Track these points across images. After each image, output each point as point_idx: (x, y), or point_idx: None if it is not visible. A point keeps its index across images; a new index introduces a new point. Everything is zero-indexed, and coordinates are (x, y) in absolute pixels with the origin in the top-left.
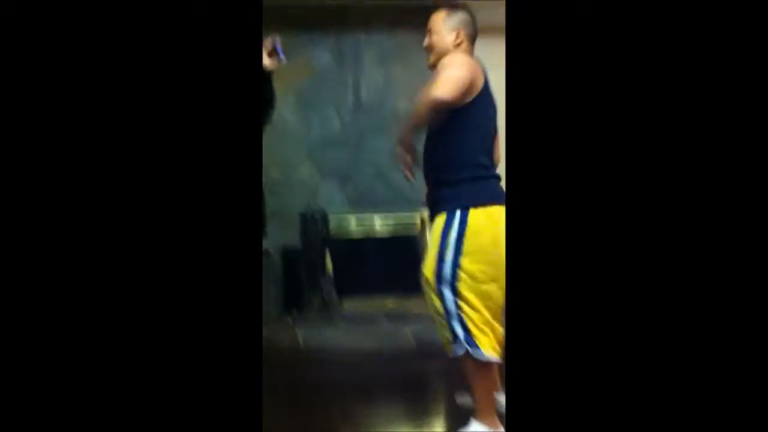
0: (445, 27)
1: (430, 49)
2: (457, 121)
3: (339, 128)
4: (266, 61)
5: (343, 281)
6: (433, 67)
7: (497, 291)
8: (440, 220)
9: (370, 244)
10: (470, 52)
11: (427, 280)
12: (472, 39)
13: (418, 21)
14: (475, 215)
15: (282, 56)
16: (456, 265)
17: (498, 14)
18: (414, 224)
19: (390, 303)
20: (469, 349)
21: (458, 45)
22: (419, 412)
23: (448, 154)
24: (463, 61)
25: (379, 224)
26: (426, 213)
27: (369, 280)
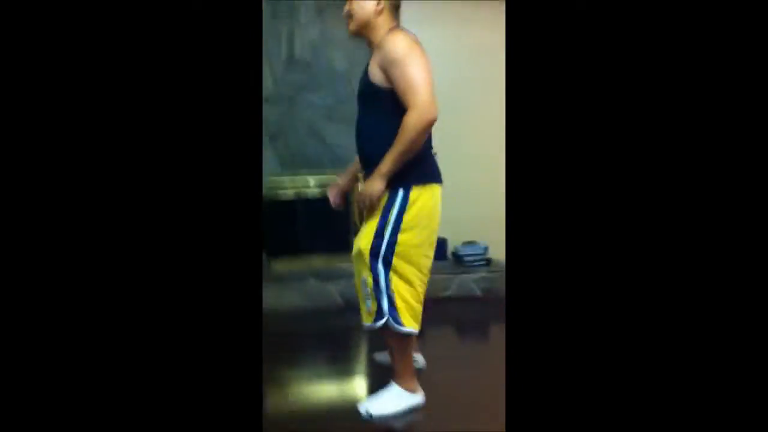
0: None
1: (349, 15)
2: (392, 103)
3: (271, 85)
4: None
5: (273, 242)
6: (355, 34)
7: (427, 263)
8: (382, 201)
9: (300, 204)
10: (392, 20)
11: (361, 254)
12: (395, 7)
13: None
14: (415, 193)
15: None
16: (393, 241)
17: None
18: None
19: (318, 261)
20: (392, 323)
21: (379, 13)
22: (343, 366)
23: (385, 135)
24: (416, 53)
25: (311, 184)
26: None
27: (299, 239)
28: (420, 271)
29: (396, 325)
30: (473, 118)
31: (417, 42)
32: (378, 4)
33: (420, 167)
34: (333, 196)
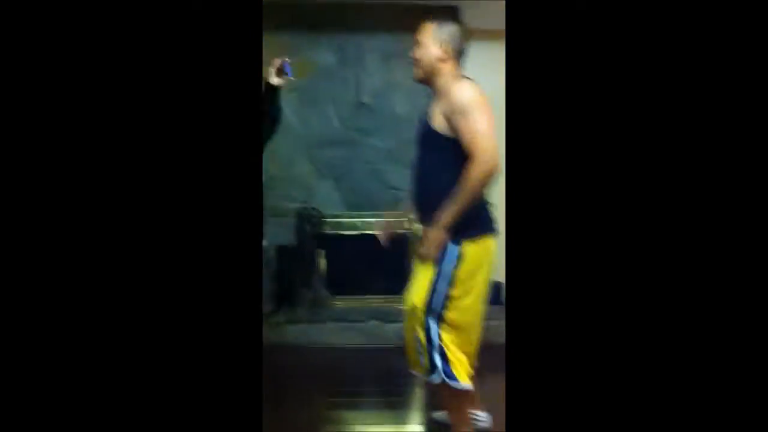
0: (432, 40)
1: (416, 61)
2: (453, 151)
3: (338, 127)
4: (275, 79)
5: (334, 279)
6: (420, 81)
7: (478, 320)
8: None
9: (362, 242)
10: (456, 67)
11: (415, 309)
12: (459, 54)
13: (419, 22)
14: (468, 247)
15: (290, 75)
16: (446, 296)
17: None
18: (405, 224)
19: (378, 301)
20: (447, 380)
21: (443, 61)
22: (399, 410)
23: (444, 182)
24: (482, 103)
25: (372, 223)
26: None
27: (359, 278)
28: (474, 324)
29: (451, 381)
30: None
31: (483, 93)
32: (443, 51)
33: (473, 220)
34: (382, 237)
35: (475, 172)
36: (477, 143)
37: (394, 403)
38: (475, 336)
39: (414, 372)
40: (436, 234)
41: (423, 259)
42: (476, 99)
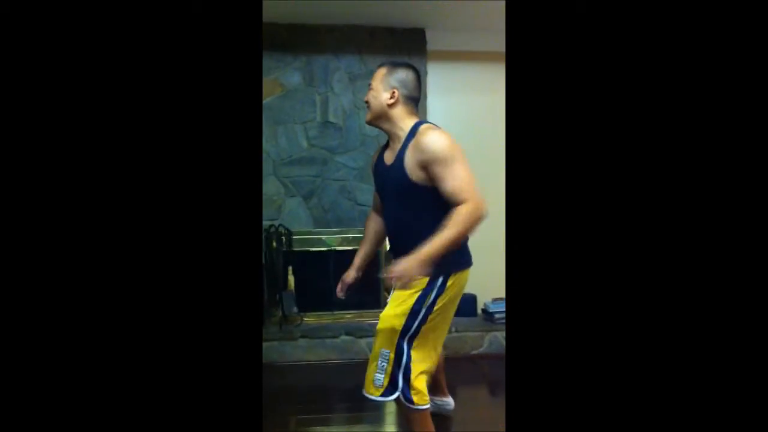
0: (382, 84)
1: (368, 104)
2: (432, 199)
3: (306, 146)
4: None
5: (304, 296)
6: (370, 123)
7: (441, 342)
8: (420, 283)
9: (331, 259)
10: (408, 113)
11: (392, 331)
12: (412, 99)
13: (386, 43)
14: (452, 279)
15: None
16: (424, 322)
17: (462, 39)
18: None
19: (349, 316)
20: (403, 400)
21: (391, 105)
22: (372, 422)
23: (424, 228)
24: (458, 151)
25: (341, 240)
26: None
27: (329, 294)
28: (438, 345)
29: (406, 403)
30: (499, 176)
31: (453, 140)
32: (392, 96)
33: (459, 255)
34: (341, 287)
35: (467, 212)
36: (465, 190)
37: (367, 418)
38: (436, 356)
39: (366, 393)
40: (415, 264)
41: (393, 285)
42: (452, 148)
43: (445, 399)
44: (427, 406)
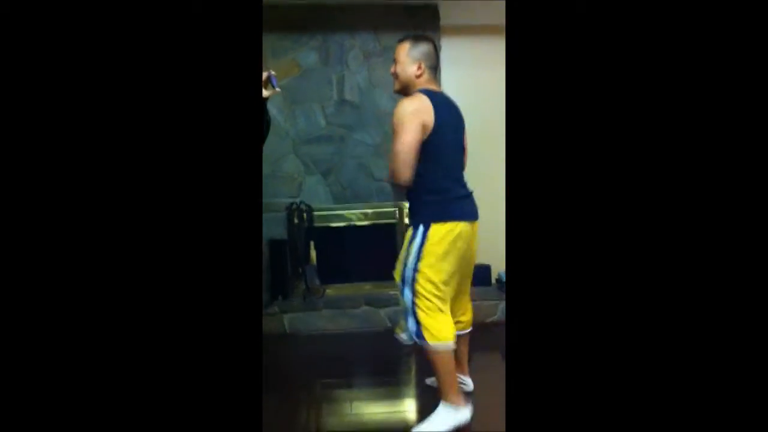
0: (408, 58)
1: (395, 76)
2: (417, 155)
3: (323, 124)
4: (263, 92)
5: (326, 269)
6: (399, 92)
7: (449, 291)
8: (408, 232)
9: (351, 233)
10: (432, 81)
11: (396, 280)
12: (434, 69)
13: (400, 20)
14: (435, 229)
15: (276, 87)
16: (415, 269)
17: (473, 14)
18: (392, 214)
19: (368, 287)
20: (416, 339)
21: (419, 76)
22: (393, 386)
23: (414, 181)
24: (408, 123)
25: (360, 215)
26: (403, 204)
27: (350, 267)
28: (442, 296)
29: (419, 341)
30: None
31: (420, 111)
32: (419, 68)
33: (439, 206)
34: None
35: (389, 175)
36: (392, 159)
37: (388, 383)
38: (457, 306)
39: (395, 335)
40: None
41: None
42: (406, 115)
43: (463, 377)
44: (440, 344)
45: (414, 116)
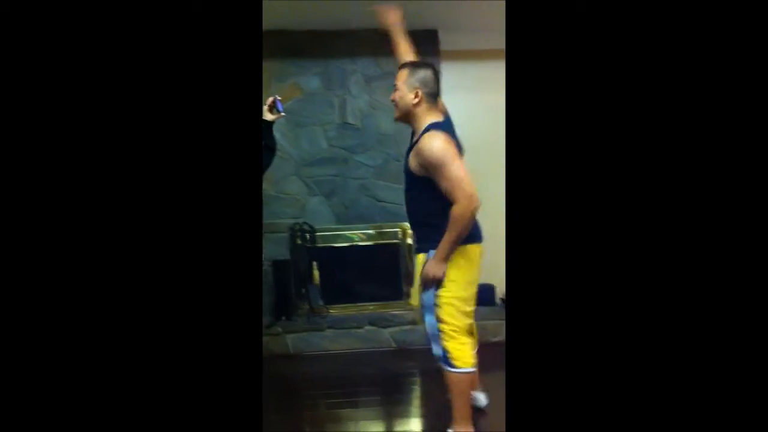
0: (406, 85)
1: (395, 103)
2: (428, 185)
3: (326, 147)
4: (268, 115)
5: (329, 289)
6: (399, 119)
7: (471, 312)
8: (421, 257)
9: (354, 253)
10: (432, 108)
11: (417, 306)
12: (433, 96)
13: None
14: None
15: (281, 110)
16: (435, 294)
17: (472, 39)
18: (395, 234)
19: (372, 307)
20: (443, 365)
21: (417, 105)
22: (398, 405)
23: (424, 206)
24: (450, 154)
25: (363, 235)
26: (406, 224)
27: (353, 287)
28: (465, 318)
29: (448, 367)
30: None
31: (449, 142)
32: (416, 96)
33: None
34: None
35: (459, 212)
36: (456, 189)
37: (392, 402)
38: (466, 329)
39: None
40: (437, 265)
41: (427, 284)
42: (445, 151)
43: (476, 393)
44: (462, 369)
45: (447, 145)
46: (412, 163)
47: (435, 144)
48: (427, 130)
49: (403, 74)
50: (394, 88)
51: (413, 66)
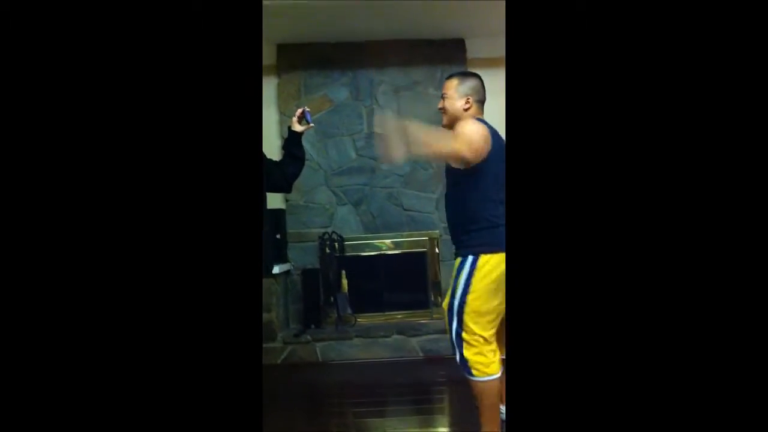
0: (457, 93)
1: (444, 110)
2: (469, 181)
3: (354, 156)
4: (298, 126)
5: (358, 298)
6: (447, 127)
7: (497, 323)
8: (456, 262)
9: (382, 262)
10: (479, 113)
11: (445, 311)
12: (481, 103)
13: (427, 55)
14: (484, 260)
15: (310, 122)
16: (463, 301)
17: (497, 48)
18: (422, 243)
19: (400, 316)
20: (465, 374)
21: (467, 110)
22: (426, 414)
23: (463, 209)
24: (477, 129)
25: (391, 244)
26: (433, 233)
27: (381, 296)
28: (491, 328)
29: (465, 372)
30: None
31: (483, 128)
32: (467, 102)
33: (489, 236)
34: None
35: (451, 145)
36: (461, 137)
37: (420, 411)
38: (500, 336)
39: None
40: (400, 132)
41: (387, 153)
42: (475, 130)
43: (503, 407)
44: (482, 378)
45: (480, 130)
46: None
47: (469, 125)
48: (471, 119)
49: (453, 83)
50: (442, 96)
51: (462, 75)
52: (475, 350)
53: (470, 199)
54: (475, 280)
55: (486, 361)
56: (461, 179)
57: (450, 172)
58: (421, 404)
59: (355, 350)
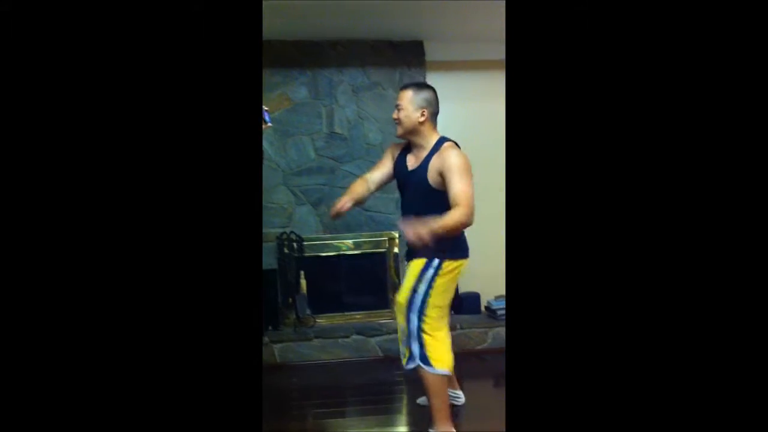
0: (412, 105)
1: (399, 122)
2: (441, 199)
3: (313, 156)
4: None
5: (316, 299)
6: (402, 137)
7: (448, 315)
8: (419, 262)
9: (341, 263)
10: (434, 127)
11: (399, 305)
12: (435, 115)
13: (387, 56)
14: (447, 265)
15: (269, 121)
16: (426, 297)
17: (455, 51)
18: (381, 243)
19: (359, 316)
20: (422, 364)
21: (422, 123)
22: (386, 413)
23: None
24: (469, 171)
25: (350, 244)
26: (393, 233)
27: (340, 296)
28: (444, 323)
29: (426, 367)
30: (497, 181)
31: (466, 156)
32: (422, 115)
33: (455, 245)
34: (338, 206)
35: (457, 215)
36: (463, 199)
37: (379, 410)
38: (446, 334)
39: (403, 366)
40: (424, 230)
41: (418, 242)
42: (466, 165)
43: (456, 392)
44: (445, 371)
45: (469, 166)
46: (431, 171)
47: (460, 155)
48: (441, 142)
49: (408, 95)
50: (397, 107)
51: (417, 87)
52: (433, 339)
53: (437, 210)
54: (437, 280)
55: (441, 352)
56: (438, 196)
57: (424, 188)
58: (381, 404)
59: (315, 351)
